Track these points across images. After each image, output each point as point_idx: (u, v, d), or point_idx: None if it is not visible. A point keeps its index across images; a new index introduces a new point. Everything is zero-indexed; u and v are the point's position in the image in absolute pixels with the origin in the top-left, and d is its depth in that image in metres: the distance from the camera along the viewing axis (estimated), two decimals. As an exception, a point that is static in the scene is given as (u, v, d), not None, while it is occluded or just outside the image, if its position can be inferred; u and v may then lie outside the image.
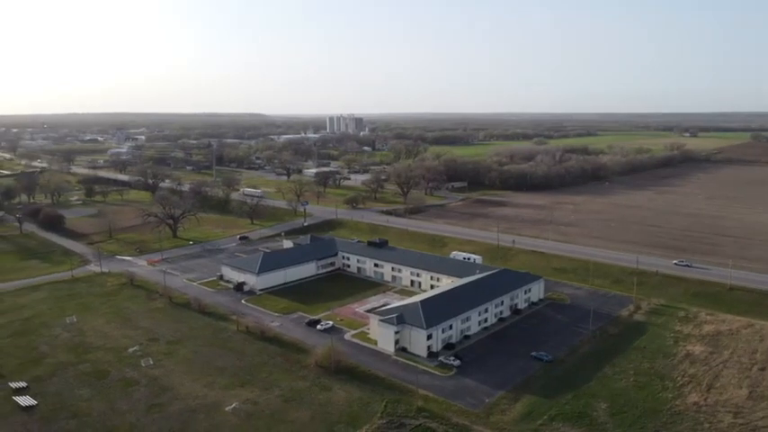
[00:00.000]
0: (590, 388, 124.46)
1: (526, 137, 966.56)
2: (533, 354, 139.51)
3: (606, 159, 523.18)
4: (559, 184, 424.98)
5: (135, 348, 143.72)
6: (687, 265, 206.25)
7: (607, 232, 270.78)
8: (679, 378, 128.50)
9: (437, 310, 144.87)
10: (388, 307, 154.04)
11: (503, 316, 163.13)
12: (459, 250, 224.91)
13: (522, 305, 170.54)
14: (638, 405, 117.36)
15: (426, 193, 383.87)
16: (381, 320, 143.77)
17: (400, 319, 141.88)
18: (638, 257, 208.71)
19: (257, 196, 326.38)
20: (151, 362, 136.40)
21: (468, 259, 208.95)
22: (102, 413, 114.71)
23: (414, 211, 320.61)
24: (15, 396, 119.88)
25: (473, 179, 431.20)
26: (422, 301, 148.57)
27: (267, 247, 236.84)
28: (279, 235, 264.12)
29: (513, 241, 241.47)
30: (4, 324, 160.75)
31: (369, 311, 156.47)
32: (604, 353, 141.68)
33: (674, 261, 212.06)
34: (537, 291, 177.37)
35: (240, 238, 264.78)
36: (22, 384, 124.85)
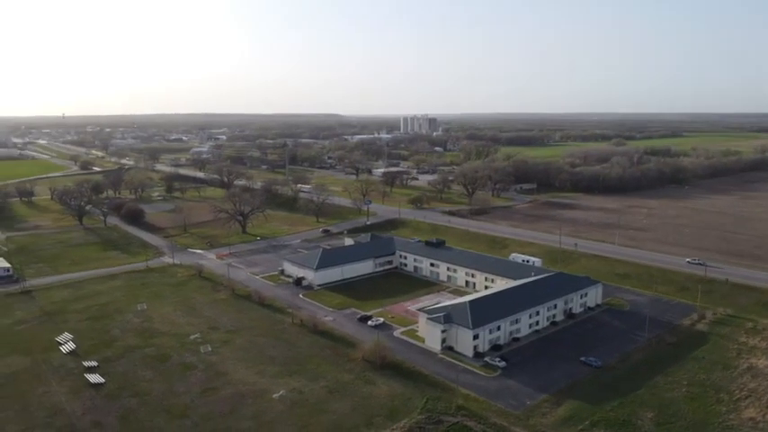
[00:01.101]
0: (638, 396, 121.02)
1: (605, 138, 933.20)
2: (582, 359, 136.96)
3: (687, 162, 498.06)
4: (635, 187, 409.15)
5: (196, 335, 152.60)
6: (701, 263, 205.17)
7: (680, 238, 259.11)
8: (737, 391, 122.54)
9: (485, 310, 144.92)
10: (437, 306, 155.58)
11: (556, 320, 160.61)
12: (519, 252, 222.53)
13: (577, 309, 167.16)
14: (686, 417, 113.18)
15: (493, 195, 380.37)
16: (429, 319, 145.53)
17: (447, 318, 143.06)
18: (706, 264, 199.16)
19: (305, 191, 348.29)
20: (209, 349, 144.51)
21: (527, 262, 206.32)
22: (160, 393, 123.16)
23: (478, 213, 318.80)
24: (87, 374, 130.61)
25: (543, 181, 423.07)
26: (470, 302, 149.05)
27: (329, 245, 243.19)
28: (342, 233, 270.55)
29: (576, 244, 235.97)
30: (82, 309, 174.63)
31: (419, 310, 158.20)
32: (658, 361, 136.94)
33: (687, 259, 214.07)
34: (594, 295, 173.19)
35: (323, 231, 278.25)
36: (94, 363, 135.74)
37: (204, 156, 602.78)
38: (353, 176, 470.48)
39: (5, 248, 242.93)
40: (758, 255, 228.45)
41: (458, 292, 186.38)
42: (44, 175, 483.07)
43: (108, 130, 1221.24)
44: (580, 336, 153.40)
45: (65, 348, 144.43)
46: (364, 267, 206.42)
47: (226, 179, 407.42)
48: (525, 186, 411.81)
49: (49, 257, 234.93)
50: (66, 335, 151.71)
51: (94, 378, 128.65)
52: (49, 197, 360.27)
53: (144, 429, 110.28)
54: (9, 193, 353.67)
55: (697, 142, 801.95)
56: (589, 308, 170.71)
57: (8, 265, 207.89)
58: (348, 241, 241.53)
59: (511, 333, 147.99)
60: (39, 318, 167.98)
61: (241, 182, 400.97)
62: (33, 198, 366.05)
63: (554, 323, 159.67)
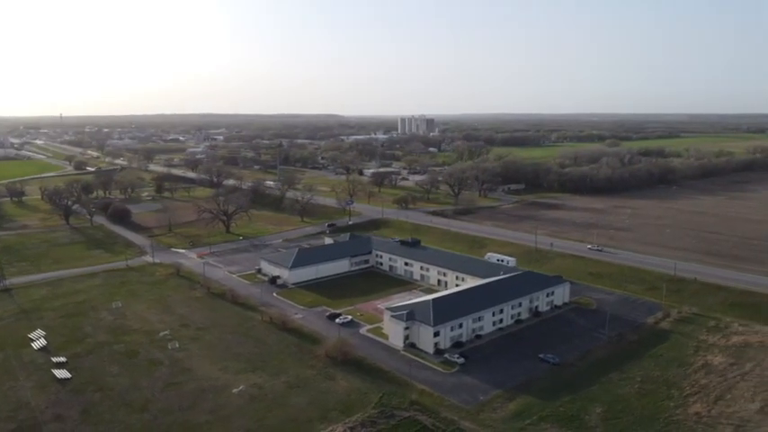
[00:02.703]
0: (590, 392, 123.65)
1: (601, 138, 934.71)
2: (541, 356, 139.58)
3: (677, 163, 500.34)
4: (623, 187, 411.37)
5: (166, 333, 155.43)
6: (599, 250, 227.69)
7: (660, 238, 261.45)
8: (688, 387, 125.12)
9: (448, 308, 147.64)
10: (402, 303, 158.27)
11: (521, 318, 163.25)
12: (496, 252, 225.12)
13: (543, 308, 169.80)
14: (635, 412, 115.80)
15: (481, 195, 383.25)
16: (392, 316, 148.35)
17: (410, 315, 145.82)
18: (675, 264, 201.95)
19: (274, 188, 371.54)
20: (177, 345, 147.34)
21: (502, 261, 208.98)
22: (124, 388, 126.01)
23: (463, 213, 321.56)
24: (54, 369, 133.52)
25: (532, 181, 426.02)
26: (434, 299, 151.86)
27: (309, 244, 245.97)
28: (323, 232, 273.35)
29: (552, 244, 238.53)
30: (59, 306, 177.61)
31: (385, 308, 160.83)
32: (616, 359, 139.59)
33: (588, 246, 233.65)
34: (561, 294, 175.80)
35: (328, 226, 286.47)
36: (62, 359, 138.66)
37: (198, 156, 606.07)
38: (344, 177, 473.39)
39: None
40: (735, 255, 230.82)
41: (430, 290, 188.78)
42: (37, 175, 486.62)
43: (106, 130, 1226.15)
44: (543, 334, 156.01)
45: (36, 345, 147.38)
46: (340, 266, 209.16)
47: (215, 179, 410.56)
48: (513, 187, 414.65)
49: (33, 256, 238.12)
50: (39, 331, 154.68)
51: (61, 373, 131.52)
52: (40, 197, 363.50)
53: (104, 422, 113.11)
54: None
55: (692, 143, 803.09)
56: (556, 306, 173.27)
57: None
58: (328, 241, 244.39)
59: (473, 330, 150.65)
60: (15, 315, 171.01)
61: (230, 182, 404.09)
62: (24, 198, 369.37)
63: (519, 321, 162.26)
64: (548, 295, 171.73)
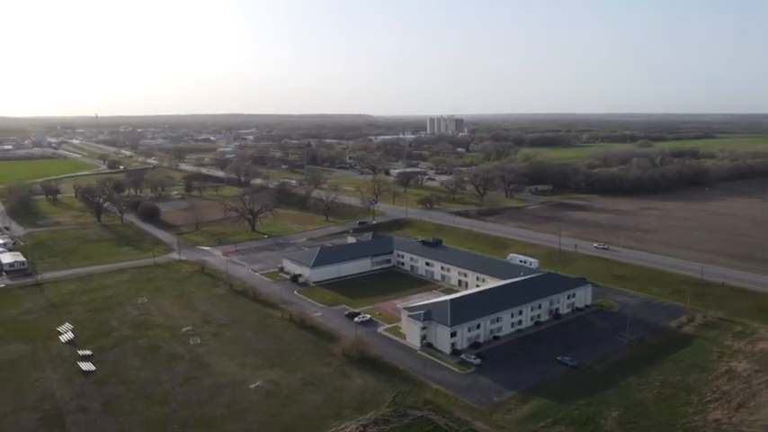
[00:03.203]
0: (607, 396, 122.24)
1: (634, 139, 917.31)
2: (558, 358, 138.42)
3: (710, 164, 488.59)
4: (653, 189, 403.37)
5: (188, 328, 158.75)
6: (605, 248, 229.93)
7: (687, 240, 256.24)
8: (708, 393, 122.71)
9: (465, 309, 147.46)
10: (420, 303, 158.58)
11: (540, 319, 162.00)
12: (519, 253, 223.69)
13: (564, 310, 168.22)
14: (651, 417, 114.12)
15: (507, 196, 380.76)
16: (409, 316, 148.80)
17: (427, 315, 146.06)
18: (702, 267, 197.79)
19: (298, 187, 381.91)
20: (198, 341, 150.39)
21: (524, 262, 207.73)
22: (145, 381, 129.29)
23: (487, 213, 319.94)
24: (80, 362, 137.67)
25: (559, 182, 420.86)
26: (451, 300, 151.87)
27: (332, 243, 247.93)
28: (348, 231, 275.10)
29: (576, 246, 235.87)
30: (87, 301, 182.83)
31: (403, 307, 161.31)
32: (636, 363, 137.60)
33: (595, 244, 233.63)
34: (583, 296, 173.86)
35: (359, 223, 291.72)
36: (88, 352, 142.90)
37: (228, 155, 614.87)
38: (370, 176, 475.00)
39: (23, 243, 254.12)
40: (766, 259, 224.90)
41: (450, 291, 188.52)
42: (72, 174, 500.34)
43: (140, 130, 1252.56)
44: (563, 336, 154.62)
45: (64, 338, 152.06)
46: (361, 266, 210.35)
47: (242, 178, 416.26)
48: (540, 187, 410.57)
49: (65, 252, 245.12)
50: (67, 325, 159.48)
51: (86, 366, 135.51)
52: (73, 195, 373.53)
53: (124, 414, 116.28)
54: (35, 191, 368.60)
55: (728, 144, 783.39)
56: (577, 308, 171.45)
57: (24, 259, 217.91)
58: (351, 240, 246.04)
59: (491, 332, 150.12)
60: (45, 309, 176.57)
61: (257, 181, 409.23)
62: (59, 196, 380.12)
63: (538, 323, 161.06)
64: (569, 297, 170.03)
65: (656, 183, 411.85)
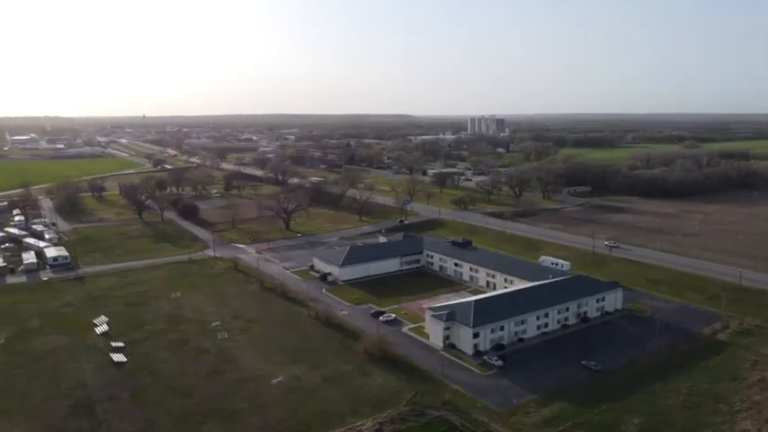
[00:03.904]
0: (630, 402, 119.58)
1: (681, 139, 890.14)
2: (583, 362, 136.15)
3: (759, 166, 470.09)
4: (696, 191, 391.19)
5: (217, 323, 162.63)
6: (615, 246, 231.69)
7: (730, 245, 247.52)
8: (738, 403, 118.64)
9: (489, 310, 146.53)
10: (444, 304, 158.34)
11: (567, 323, 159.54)
12: (551, 255, 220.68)
13: (592, 314, 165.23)
14: (675, 425, 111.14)
15: (544, 197, 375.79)
16: (433, 316, 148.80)
17: (450, 315, 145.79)
18: (741, 272, 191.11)
19: (313, 182, 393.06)
20: (226, 336, 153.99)
21: (556, 264, 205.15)
22: (172, 374, 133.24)
23: (522, 214, 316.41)
24: (112, 353, 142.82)
25: (599, 183, 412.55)
26: (475, 301, 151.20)
27: (363, 242, 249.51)
28: (380, 231, 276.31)
29: (611, 249, 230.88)
30: (124, 295, 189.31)
31: (428, 307, 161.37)
32: (663, 369, 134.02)
33: (606, 242, 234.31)
34: (613, 300, 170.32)
35: (399, 222, 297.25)
36: (121, 344, 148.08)
37: (268, 155, 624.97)
38: (406, 176, 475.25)
39: (67, 238, 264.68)
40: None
41: (478, 292, 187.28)
42: (117, 172, 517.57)
43: (185, 129, 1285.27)
44: (589, 340, 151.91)
45: (99, 330, 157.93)
46: (390, 265, 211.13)
47: (280, 177, 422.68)
48: (579, 189, 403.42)
49: (106, 248, 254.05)
50: (103, 317, 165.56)
51: (118, 357, 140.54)
52: (118, 192, 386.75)
53: (150, 405, 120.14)
54: (81, 188, 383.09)
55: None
56: (606, 312, 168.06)
57: (67, 253, 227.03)
58: (382, 239, 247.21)
59: (516, 334, 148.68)
60: (84, 301, 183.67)
61: (294, 180, 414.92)
62: (104, 193, 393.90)
63: (565, 326, 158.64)
64: (598, 301, 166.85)
65: (701, 185, 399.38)
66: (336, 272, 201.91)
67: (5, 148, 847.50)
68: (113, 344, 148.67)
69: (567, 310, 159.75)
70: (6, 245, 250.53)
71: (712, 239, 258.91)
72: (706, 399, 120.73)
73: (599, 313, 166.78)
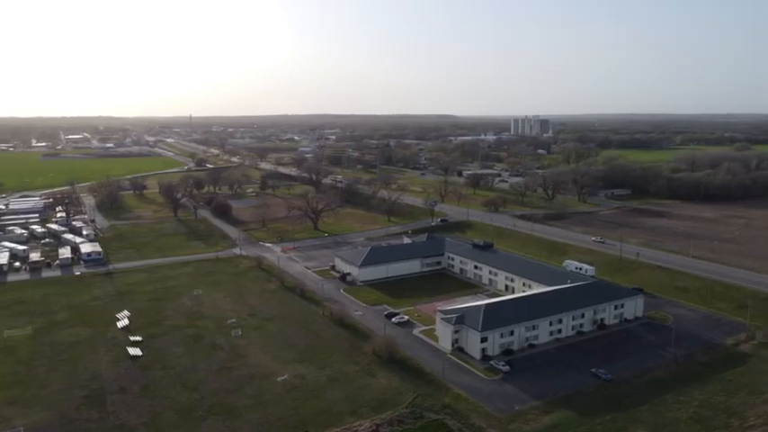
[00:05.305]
0: (637, 412, 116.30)
1: (733, 141, 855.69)
2: (593, 370, 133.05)
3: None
4: (742, 195, 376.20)
5: (232, 320, 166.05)
6: (601, 242, 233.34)
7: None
8: (752, 418, 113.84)
9: (499, 314, 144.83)
10: (456, 307, 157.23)
11: (583, 329, 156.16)
12: (577, 260, 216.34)
13: (610, 320, 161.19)
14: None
15: (579, 200, 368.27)
16: (442, 319, 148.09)
17: (460, 319, 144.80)
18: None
19: (338, 181, 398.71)
20: (240, 333, 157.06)
21: (580, 269, 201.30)
22: (183, 368, 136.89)
23: (554, 218, 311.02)
24: (129, 347, 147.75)
25: (640, 186, 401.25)
26: (486, 305, 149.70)
27: (387, 243, 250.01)
28: (406, 232, 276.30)
29: (638, 254, 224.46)
30: (149, 291, 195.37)
31: (439, 310, 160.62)
32: (677, 379, 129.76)
33: (593, 238, 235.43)
34: (632, 307, 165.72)
35: (441, 221, 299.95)
36: (138, 338, 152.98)
37: (307, 155, 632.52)
38: (440, 177, 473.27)
39: (102, 235, 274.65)
40: None
41: (495, 295, 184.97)
42: (160, 171, 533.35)
43: (230, 129, 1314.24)
44: (604, 347, 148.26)
45: (120, 324, 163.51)
46: (411, 267, 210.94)
47: (314, 177, 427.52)
48: (617, 192, 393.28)
49: (140, 244, 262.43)
50: (125, 312, 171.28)
51: (134, 351, 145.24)
52: (157, 191, 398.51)
53: (158, 398, 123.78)
54: (123, 186, 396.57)
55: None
56: (625, 320, 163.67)
57: (100, 249, 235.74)
58: (406, 240, 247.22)
59: (527, 339, 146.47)
60: (111, 296, 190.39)
61: (328, 180, 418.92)
62: (144, 191, 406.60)
63: (580, 333, 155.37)
64: (616, 308, 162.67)
65: (747, 189, 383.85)
66: (355, 272, 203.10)
67: (59, 147, 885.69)
68: (131, 338, 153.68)
69: (583, 316, 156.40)
70: (47, 240, 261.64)
71: (751, 246, 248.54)
72: (718, 412, 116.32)
73: (617, 320, 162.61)
